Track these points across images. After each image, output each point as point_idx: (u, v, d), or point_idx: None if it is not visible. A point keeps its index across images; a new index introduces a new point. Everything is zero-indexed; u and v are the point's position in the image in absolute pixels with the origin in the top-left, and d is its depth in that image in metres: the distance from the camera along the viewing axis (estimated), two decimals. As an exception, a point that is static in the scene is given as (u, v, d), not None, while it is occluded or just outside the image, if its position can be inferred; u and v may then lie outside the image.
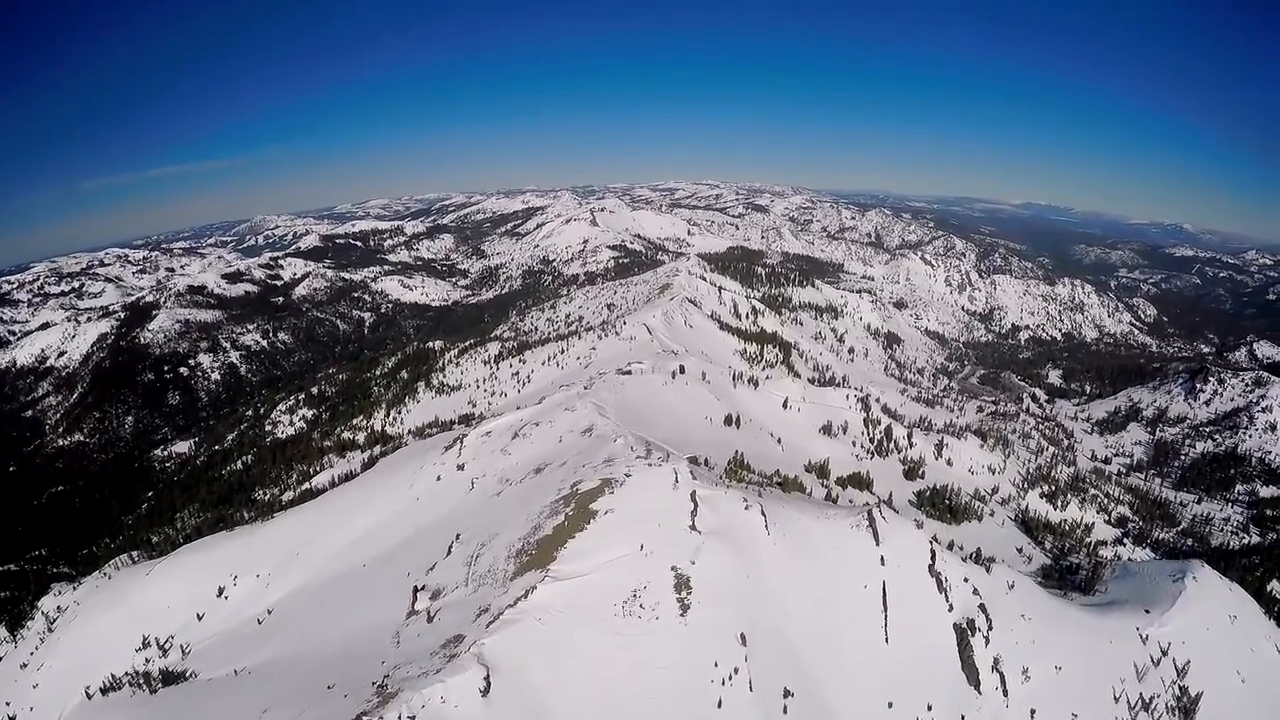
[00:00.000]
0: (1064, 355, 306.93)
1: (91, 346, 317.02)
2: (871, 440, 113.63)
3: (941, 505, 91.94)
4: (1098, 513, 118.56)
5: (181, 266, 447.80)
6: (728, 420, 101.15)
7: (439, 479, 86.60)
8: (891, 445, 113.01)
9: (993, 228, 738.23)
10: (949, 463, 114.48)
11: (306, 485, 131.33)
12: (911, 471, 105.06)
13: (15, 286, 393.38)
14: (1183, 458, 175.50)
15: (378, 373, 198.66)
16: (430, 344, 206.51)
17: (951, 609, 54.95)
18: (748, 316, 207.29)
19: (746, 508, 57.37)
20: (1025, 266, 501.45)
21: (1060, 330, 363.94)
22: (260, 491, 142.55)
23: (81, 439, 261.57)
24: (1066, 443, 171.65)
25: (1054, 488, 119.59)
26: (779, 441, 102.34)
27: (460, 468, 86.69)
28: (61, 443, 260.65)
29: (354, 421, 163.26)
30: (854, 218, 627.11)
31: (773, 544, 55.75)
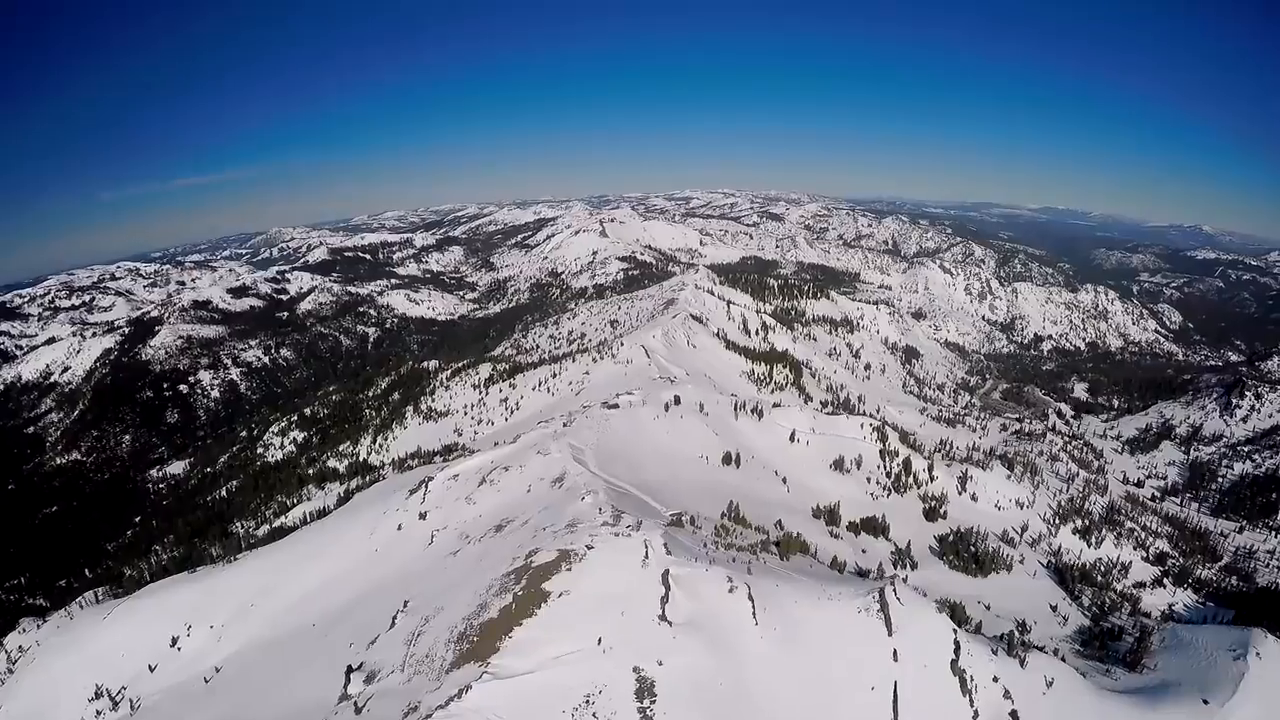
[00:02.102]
0: (1089, 366, 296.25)
1: (95, 362, 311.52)
2: (888, 474, 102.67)
3: (966, 553, 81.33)
4: (1135, 549, 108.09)
5: (193, 280, 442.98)
6: (726, 459, 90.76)
7: (400, 528, 77.99)
8: (910, 480, 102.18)
9: (1011, 233, 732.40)
10: (974, 498, 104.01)
11: (281, 520, 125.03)
12: (932, 511, 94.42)
13: (26, 300, 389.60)
14: (1220, 480, 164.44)
15: (370, 394, 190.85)
16: (425, 364, 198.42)
17: (977, 716, 45.02)
18: (757, 333, 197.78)
19: (731, 590, 47.20)
20: (1046, 273, 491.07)
21: (1084, 339, 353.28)
22: (237, 524, 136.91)
23: (79, 458, 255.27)
24: (1097, 464, 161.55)
25: (1087, 522, 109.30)
26: (784, 481, 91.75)
27: (422, 516, 77.80)
28: (60, 461, 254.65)
29: (340, 447, 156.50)
30: (870, 225, 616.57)
31: (760, 637, 45.50)
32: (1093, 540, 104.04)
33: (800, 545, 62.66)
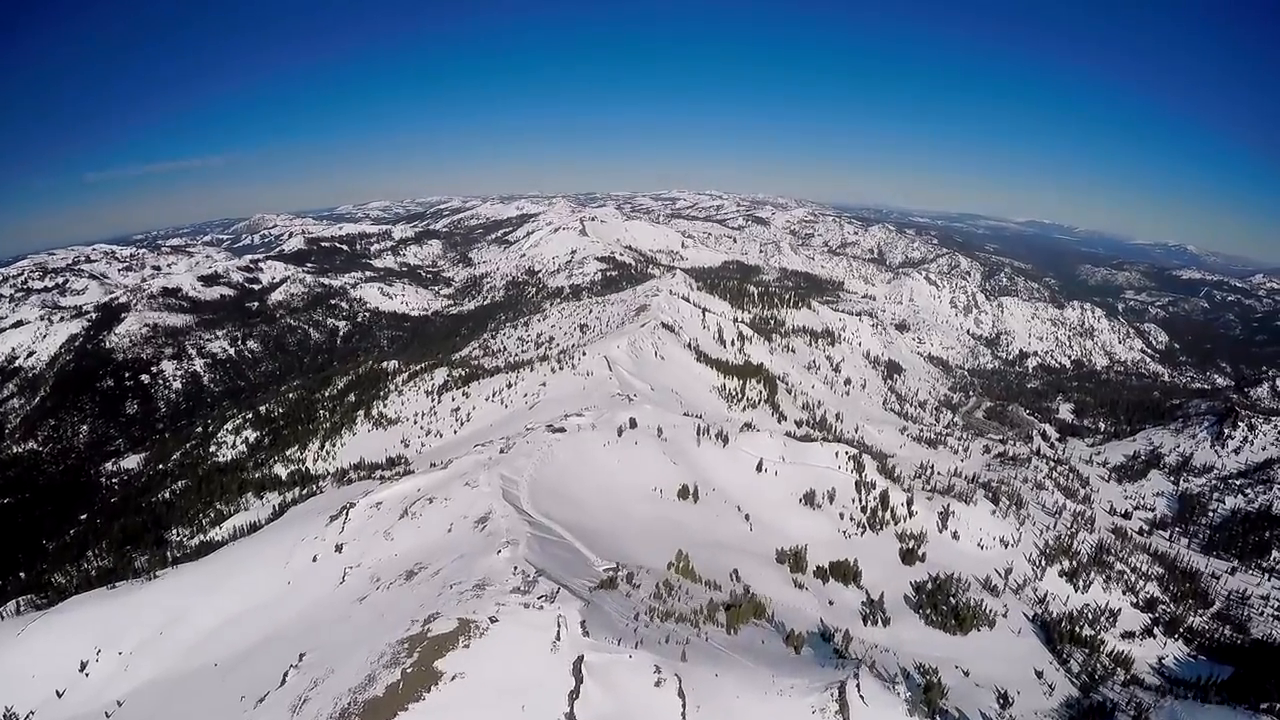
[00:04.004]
0: (1074, 385, 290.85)
1: (60, 347, 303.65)
2: (864, 509, 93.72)
3: (945, 606, 72.83)
4: (1124, 593, 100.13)
5: (168, 265, 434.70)
6: (683, 493, 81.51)
7: (315, 560, 70.14)
8: (888, 515, 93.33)
9: (997, 245, 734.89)
10: (955, 536, 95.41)
11: (214, 531, 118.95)
12: (910, 553, 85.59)
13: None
14: (1211, 514, 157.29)
15: (327, 394, 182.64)
16: (385, 364, 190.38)
17: None
18: (733, 343, 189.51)
19: (658, 683, 38.38)
20: (1032, 287, 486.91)
21: (1069, 357, 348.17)
22: (174, 530, 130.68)
23: (35, 447, 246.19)
24: (1083, 493, 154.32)
25: (1075, 563, 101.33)
26: (747, 518, 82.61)
27: (338, 549, 69.62)
28: (17, 450, 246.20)
29: (288, 452, 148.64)
30: (856, 233, 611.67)
31: (690, 745, 37.33)
32: (1080, 584, 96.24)
33: (754, 609, 53.89)
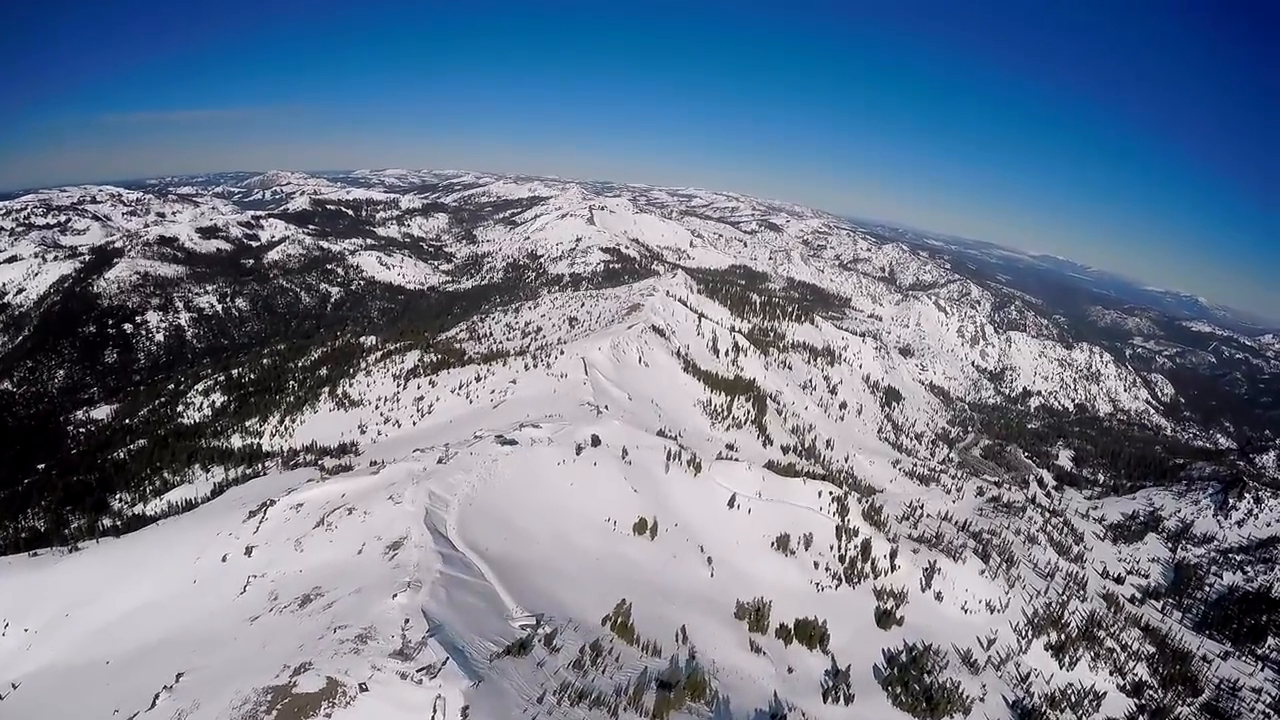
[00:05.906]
0: (1075, 430, 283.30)
1: (50, 287, 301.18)
2: (842, 558, 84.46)
3: (918, 685, 64.63)
4: (1111, 674, 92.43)
5: (173, 213, 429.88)
6: (640, 527, 72.36)
7: (224, 560, 63.00)
8: (867, 568, 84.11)
9: (1009, 277, 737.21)
10: (939, 597, 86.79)
11: (155, 502, 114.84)
12: (887, 615, 76.60)
13: (1, 214, 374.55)
14: (1207, 589, 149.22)
15: (300, 364, 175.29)
16: (363, 339, 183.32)
17: None
18: (727, 354, 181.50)
19: (553, 798, 30.97)
20: (1041, 323, 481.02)
21: (1073, 400, 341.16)
22: (119, 495, 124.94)
23: (10, 388, 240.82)
24: (1076, 550, 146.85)
25: (1064, 637, 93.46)
26: (709, 561, 73.17)
27: (248, 552, 62.26)
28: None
29: (248, 423, 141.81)
30: (869, 249, 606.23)
31: None
32: (1066, 660, 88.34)
33: (693, 688, 45.23)
